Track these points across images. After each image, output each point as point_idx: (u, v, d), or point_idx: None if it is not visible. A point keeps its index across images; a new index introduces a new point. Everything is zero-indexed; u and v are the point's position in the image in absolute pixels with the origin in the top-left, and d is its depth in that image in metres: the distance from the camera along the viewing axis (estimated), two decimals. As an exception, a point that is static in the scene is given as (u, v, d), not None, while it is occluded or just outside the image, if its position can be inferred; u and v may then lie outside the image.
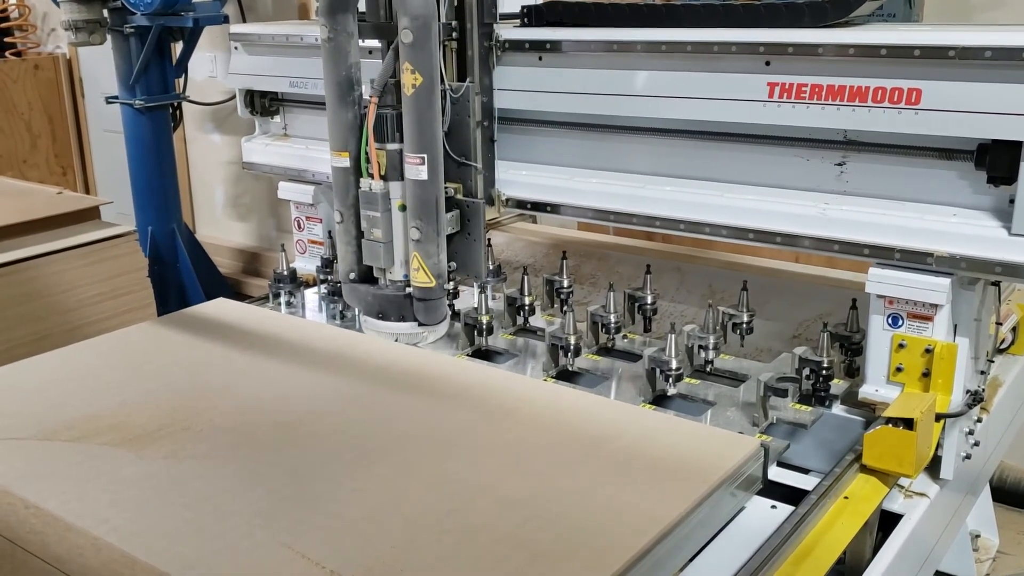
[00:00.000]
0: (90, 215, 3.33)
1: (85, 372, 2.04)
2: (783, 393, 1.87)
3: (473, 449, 1.68)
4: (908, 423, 1.68)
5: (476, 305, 2.30)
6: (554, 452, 1.66)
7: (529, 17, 2.24)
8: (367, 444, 1.71)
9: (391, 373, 1.99)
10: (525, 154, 2.29)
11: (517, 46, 2.17)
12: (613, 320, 2.17)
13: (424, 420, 1.79)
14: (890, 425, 1.70)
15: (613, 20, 2.10)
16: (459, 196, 2.24)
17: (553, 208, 2.26)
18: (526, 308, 2.34)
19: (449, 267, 2.23)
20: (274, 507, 1.50)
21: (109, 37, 4.32)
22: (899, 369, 1.84)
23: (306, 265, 2.80)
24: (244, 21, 4.95)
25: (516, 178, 2.29)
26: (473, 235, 2.25)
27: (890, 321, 1.84)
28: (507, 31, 2.20)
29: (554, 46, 2.12)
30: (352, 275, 2.28)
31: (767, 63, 1.87)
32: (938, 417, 1.79)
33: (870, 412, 1.90)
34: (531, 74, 2.17)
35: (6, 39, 6.22)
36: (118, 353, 2.16)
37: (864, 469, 1.74)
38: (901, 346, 1.83)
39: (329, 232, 2.75)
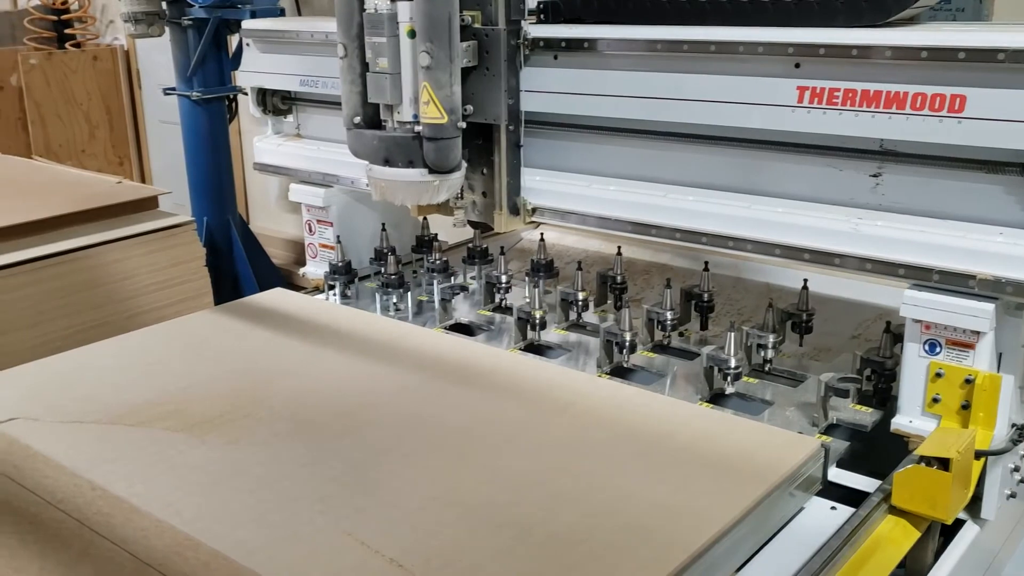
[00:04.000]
0: (149, 204, 3.38)
1: (147, 359, 2.08)
2: (844, 394, 1.85)
3: (529, 443, 1.68)
4: (944, 463, 1.56)
5: (528, 299, 2.30)
6: (610, 449, 1.66)
7: (545, 13, 2.14)
8: (422, 435, 1.71)
9: (445, 365, 2.00)
10: (549, 160, 2.21)
11: (537, 44, 2.09)
12: (670, 317, 2.16)
13: (479, 413, 1.79)
14: (923, 464, 1.58)
15: (633, 16, 2.01)
16: (477, 24, 2.04)
17: (578, 218, 2.16)
18: (579, 304, 2.34)
19: (465, 110, 2.05)
20: (333, 495, 1.52)
21: (167, 29, 4.39)
22: (936, 400, 1.73)
23: (316, 270, 2.75)
24: (299, 15, 4.99)
25: (540, 185, 2.21)
26: (492, 70, 2.06)
27: (927, 348, 1.74)
28: (533, 28, 2.12)
29: (570, 44, 2.05)
30: (357, 119, 2.10)
31: (797, 65, 1.76)
32: (978, 455, 1.66)
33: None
34: (550, 74, 2.09)
35: (66, 31, 6.34)
36: (179, 340, 2.20)
37: (893, 510, 1.62)
38: (938, 375, 1.72)
39: (338, 237, 2.71)
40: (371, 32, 2.00)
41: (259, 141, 2.84)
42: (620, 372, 2.11)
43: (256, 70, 2.74)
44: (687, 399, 1.97)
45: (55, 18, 6.27)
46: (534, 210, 2.20)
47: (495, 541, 1.39)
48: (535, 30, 2.07)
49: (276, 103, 2.78)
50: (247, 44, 2.76)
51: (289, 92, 2.76)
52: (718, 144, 1.95)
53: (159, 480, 1.55)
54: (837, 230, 1.81)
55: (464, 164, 2.11)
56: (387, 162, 2.04)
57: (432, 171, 2.02)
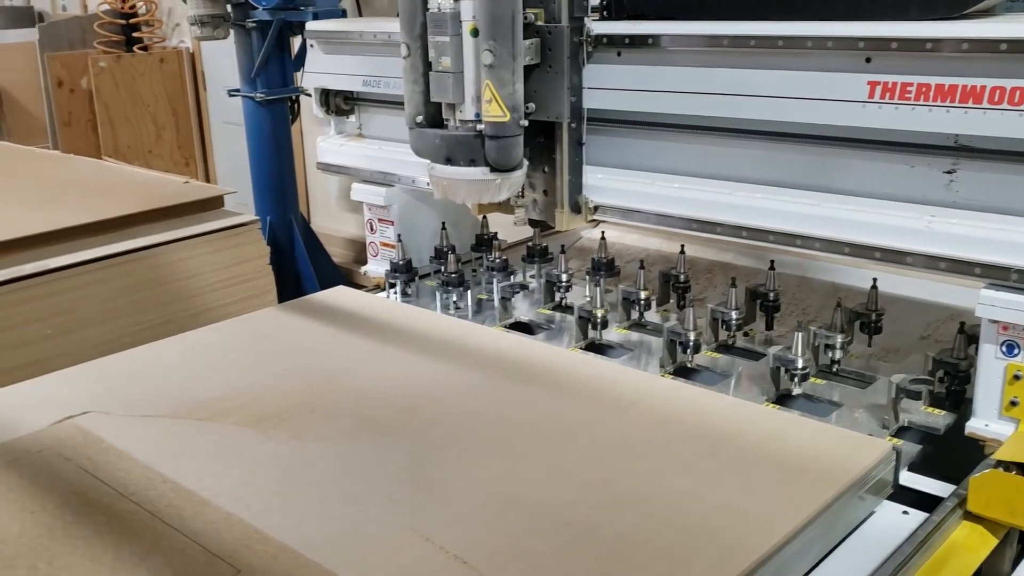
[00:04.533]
0: (214, 204, 3.44)
1: (213, 355, 2.12)
2: (916, 396, 1.80)
3: (591, 442, 1.67)
4: (1023, 468, 1.53)
5: (589, 298, 2.28)
6: (674, 449, 1.64)
7: (608, 10, 2.12)
8: (485, 432, 1.72)
9: (506, 363, 2.00)
10: (612, 158, 2.18)
11: (600, 41, 2.08)
12: (735, 317, 2.13)
13: (541, 411, 1.79)
14: (1001, 469, 1.54)
15: (697, 11, 1.98)
16: (540, 22, 2.03)
17: (641, 216, 2.13)
18: (641, 303, 2.32)
19: (527, 108, 2.04)
20: (397, 491, 1.52)
21: (232, 32, 4.47)
22: (1013, 403, 1.69)
23: (377, 268, 2.77)
24: (360, 15, 5.04)
25: (603, 183, 2.18)
26: (555, 68, 2.05)
27: (1004, 349, 1.70)
28: (596, 25, 2.10)
29: (633, 41, 2.02)
30: (419, 118, 2.10)
31: (868, 60, 1.73)
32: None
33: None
34: (613, 71, 2.07)
35: (134, 34, 6.49)
36: (244, 337, 2.23)
37: (969, 516, 1.58)
38: (1016, 377, 1.68)
39: (399, 236, 2.73)
40: (434, 31, 2.01)
41: (322, 141, 2.86)
42: (684, 372, 2.08)
43: (319, 71, 2.76)
44: (752, 400, 1.94)
45: (123, 22, 6.42)
46: (596, 208, 2.18)
47: (557, 539, 1.38)
48: (598, 27, 2.06)
49: (339, 103, 2.80)
50: (311, 45, 2.79)
51: (352, 92, 2.78)
52: (785, 140, 1.91)
53: (227, 474, 1.58)
54: (909, 228, 1.77)
55: (525, 162, 2.10)
56: (449, 161, 2.05)
57: (494, 169, 2.02)
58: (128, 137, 6.23)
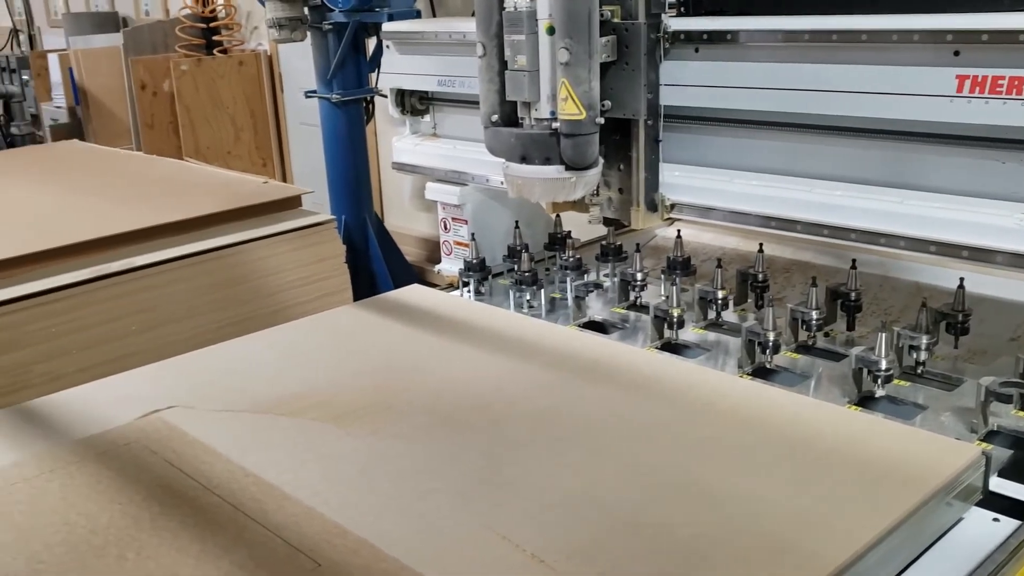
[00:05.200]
0: (292, 204, 3.50)
1: (292, 352, 2.15)
2: (1007, 399, 1.74)
3: (668, 443, 1.66)
4: None
5: (665, 297, 2.26)
6: (752, 451, 1.61)
7: (686, 5, 2.11)
8: (559, 431, 1.71)
9: (581, 362, 1.99)
10: (689, 155, 2.15)
11: (677, 38, 2.05)
12: (815, 316, 2.08)
13: (616, 410, 1.78)
14: None
15: (777, 5, 1.96)
16: (616, 19, 2.04)
17: (720, 215, 2.12)
18: (719, 302, 2.28)
19: (603, 105, 2.03)
20: (472, 488, 1.53)
21: (309, 34, 4.54)
22: None
23: (451, 267, 2.80)
24: (434, 15, 5.08)
25: (680, 181, 2.15)
26: (632, 65, 2.05)
27: None
28: (674, 21, 2.08)
29: (711, 36, 1.99)
30: (495, 117, 2.11)
31: (956, 53, 1.68)
32: None
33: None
34: (691, 67, 2.04)
35: (214, 37, 6.65)
36: (321, 335, 2.27)
37: None
38: None
39: (472, 234, 2.73)
40: (510, 30, 2.01)
41: (397, 141, 2.90)
42: (762, 373, 2.05)
43: (395, 71, 2.81)
44: (834, 402, 1.89)
45: (204, 26, 6.58)
46: (672, 206, 2.17)
47: (634, 541, 1.37)
48: (676, 23, 2.05)
49: (414, 103, 2.85)
50: (387, 46, 2.84)
51: (427, 92, 2.81)
52: (868, 137, 1.88)
53: (307, 469, 1.60)
54: (999, 226, 1.73)
55: (601, 160, 2.09)
56: (524, 159, 2.05)
57: (569, 168, 2.02)
58: (208, 138, 6.38)
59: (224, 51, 6.65)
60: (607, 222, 2.38)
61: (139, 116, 6.31)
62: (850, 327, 2.17)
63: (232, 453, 1.66)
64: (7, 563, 1.36)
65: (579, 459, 1.61)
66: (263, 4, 4.53)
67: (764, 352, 2.03)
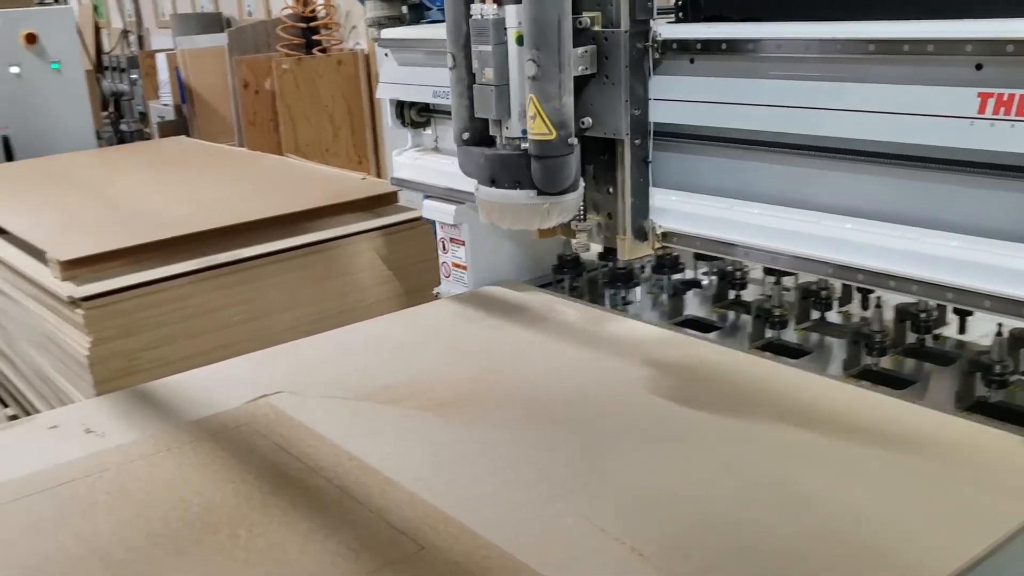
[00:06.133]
0: (389, 200, 3.58)
1: (389, 343, 2.20)
2: None
3: (767, 444, 1.63)
4: None
5: (766, 296, 2.22)
6: (855, 456, 1.57)
7: (684, 10, 1.86)
8: (654, 428, 1.71)
9: (673, 360, 1.98)
10: (684, 178, 1.88)
11: (669, 47, 1.80)
12: (924, 318, 2.02)
13: (714, 409, 1.76)
14: None
15: (783, 10, 1.72)
16: (596, 27, 1.78)
17: (716, 246, 1.84)
18: (823, 301, 2.24)
19: (582, 123, 1.81)
20: (570, 480, 1.54)
21: (407, 33, 4.60)
22: None
23: (450, 289, 2.57)
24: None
25: (673, 206, 1.88)
26: (612, 78, 1.78)
27: None
28: (666, 28, 1.82)
29: (706, 46, 1.75)
30: (465, 135, 1.90)
31: (978, 67, 1.41)
32: None
33: None
34: (685, 81, 1.80)
35: (313, 37, 6.80)
36: (418, 327, 2.31)
37: None
38: None
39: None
40: (477, 40, 1.81)
41: (397, 155, 2.66)
42: (868, 376, 2.00)
43: (392, 81, 2.54)
44: (942, 407, 1.83)
45: (304, 25, 6.74)
46: (664, 235, 1.90)
47: (735, 538, 1.36)
48: (667, 31, 1.81)
49: (413, 116, 2.59)
50: (385, 54, 2.60)
51: (427, 104, 2.54)
52: (879, 163, 1.60)
53: (409, 455, 1.63)
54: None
55: (581, 184, 1.88)
56: (493, 182, 1.83)
57: (541, 192, 1.79)
58: (307, 136, 6.53)
59: (323, 50, 6.79)
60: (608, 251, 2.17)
61: (242, 114, 6.50)
62: (961, 330, 2.10)
63: (336, 438, 1.70)
64: (128, 537, 1.43)
65: (676, 456, 1.61)
66: (363, 3, 4.61)
67: (870, 354, 1.98)
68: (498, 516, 1.43)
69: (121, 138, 7.47)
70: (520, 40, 1.74)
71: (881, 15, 1.54)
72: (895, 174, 1.60)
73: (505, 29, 1.78)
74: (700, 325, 2.34)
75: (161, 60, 7.29)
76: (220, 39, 6.86)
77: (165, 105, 7.28)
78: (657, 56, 1.80)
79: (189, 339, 2.87)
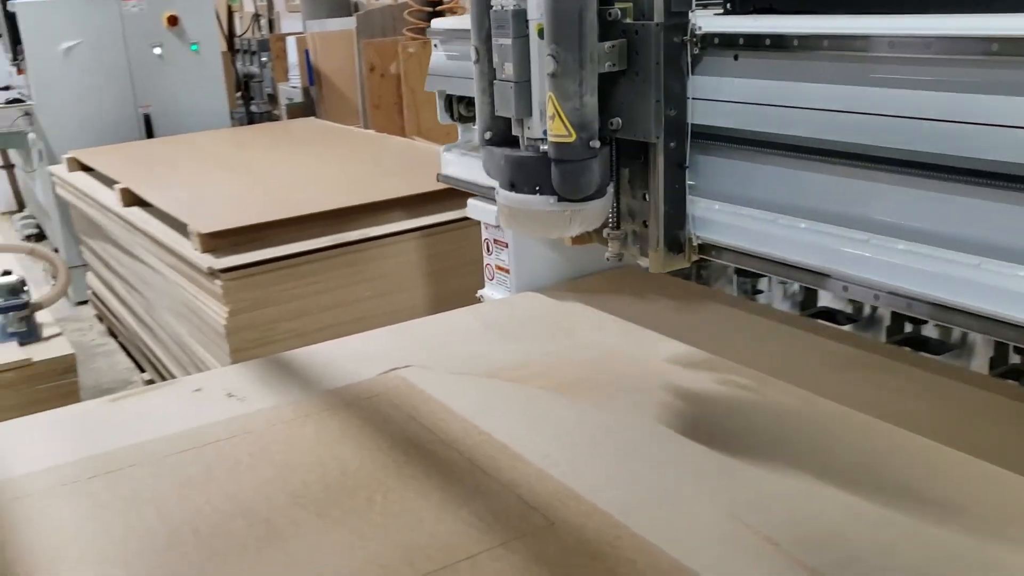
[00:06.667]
0: (512, 181, 3.59)
1: (508, 324, 2.20)
2: None
3: (908, 441, 1.58)
4: None
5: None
6: (1010, 455, 1.51)
7: (732, 1, 1.69)
8: (790, 422, 1.67)
9: (810, 351, 1.94)
10: (728, 186, 1.69)
11: (710, 42, 1.62)
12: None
13: (854, 404, 1.71)
14: None
15: (839, 2, 1.53)
16: (627, 19, 1.63)
17: (759, 263, 1.64)
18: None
19: (611, 124, 1.66)
20: (700, 467, 1.53)
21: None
22: None
23: (493, 293, 2.47)
24: None
25: (714, 216, 1.69)
26: (643, 76, 1.62)
27: None
28: (708, 21, 1.64)
29: (750, 41, 1.57)
30: (488, 134, 1.78)
31: None
32: None
33: None
34: (729, 79, 1.62)
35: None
36: (533, 311, 2.30)
37: None
38: None
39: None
40: (497, 32, 1.69)
41: (445, 151, 2.54)
42: (1013, 375, 1.91)
43: (441, 73, 2.42)
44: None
45: (430, 9, 6.83)
46: (701, 247, 1.73)
47: (885, 533, 1.33)
48: (709, 23, 1.64)
49: (461, 110, 2.43)
50: (435, 45, 2.49)
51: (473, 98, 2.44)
52: (943, 179, 1.37)
53: (535, 432, 1.65)
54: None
55: (610, 191, 1.73)
56: (513, 186, 1.70)
57: (562, 199, 1.65)
58: (430, 119, 6.62)
59: (447, 35, 6.88)
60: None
61: (367, 96, 6.64)
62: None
63: (466, 412, 1.73)
64: (272, 496, 1.49)
65: (812, 448, 1.57)
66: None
67: (1020, 351, 1.89)
68: (625, 497, 1.44)
69: (251, 119, 7.73)
70: (542, 33, 1.61)
71: (955, 7, 1.36)
72: (959, 190, 1.35)
73: (527, 21, 1.64)
74: (834, 317, 2.29)
75: (291, 43, 7.51)
76: (348, 23, 7.01)
77: (294, 87, 7.49)
78: (697, 51, 1.63)
79: (319, 313, 2.97)
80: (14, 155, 6.66)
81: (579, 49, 1.55)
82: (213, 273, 2.80)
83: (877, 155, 1.43)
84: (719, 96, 1.63)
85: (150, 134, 5.53)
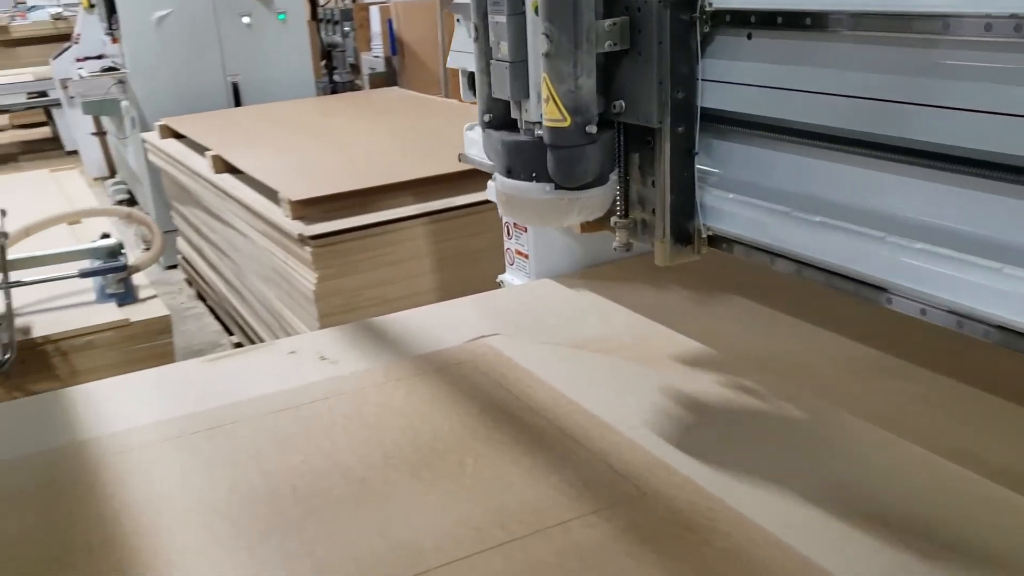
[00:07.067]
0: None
1: (587, 297, 2.19)
2: None
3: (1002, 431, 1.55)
4: None
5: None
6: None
7: None
8: (887, 400, 1.65)
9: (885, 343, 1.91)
10: (744, 173, 1.56)
11: (721, 19, 1.49)
12: None
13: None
14: None
15: None
16: None
17: (767, 257, 1.51)
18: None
19: (614, 107, 1.56)
20: (797, 444, 1.52)
21: None
22: None
23: (512, 279, 2.40)
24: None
25: (727, 207, 1.56)
26: (645, 56, 1.51)
27: None
28: None
29: (763, 19, 1.43)
30: (487, 116, 1.69)
31: None
32: None
33: None
34: (742, 59, 1.49)
35: None
36: (613, 285, 2.28)
37: None
38: None
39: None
40: (493, 9, 1.61)
41: (468, 129, 2.45)
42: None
43: (462, 50, 2.32)
44: None
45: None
46: (711, 239, 1.61)
47: (989, 519, 1.31)
48: (721, 0, 1.51)
49: None
50: (457, 21, 2.41)
51: None
52: (976, 174, 1.21)
53: (625, 402, 1.66)
54: None
55: (613, 178, 1.63)
56: (510, 172, 1.62)
57: (560, 186, 1.56)
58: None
59: (529, 4, 6.84)
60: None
61: (448, 67, 6.67)
62: None
63: (553, 380, 1.75)
64: (366, 455, 1.53)
65: (910, 430, 1.55)
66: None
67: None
68: (719, 470, 1.44)
69: (334, 88, 7.82)
70: (539, 10, 1.51)
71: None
72: (991, 187, 1.20)
73: None
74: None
75: (374, 13, 7.56)
76: (432, -8, 7.03)
77: (376, 57, 7.55)
78: (707, 30, 1.51)
79: (405, 280, 3.01)
80: (106, 122, 6.87)
81: (574, 27, 1.46)
82: (303, 240, 2.86)
83: (894, 144, 1.28)
84: (726, 77, 1.51)
85: (238, 102, 5.64)
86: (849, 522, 1.30)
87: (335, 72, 8.34)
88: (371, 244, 2.98)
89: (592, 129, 1.52)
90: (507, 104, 1.65)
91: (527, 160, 1.57)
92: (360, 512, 1.38)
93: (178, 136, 4.50)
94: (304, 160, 3.63)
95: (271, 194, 3.17)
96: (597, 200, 1.60)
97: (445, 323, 2.08)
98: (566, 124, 1.49)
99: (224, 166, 3.68)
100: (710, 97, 1.54)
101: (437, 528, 1.33)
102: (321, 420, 1.65)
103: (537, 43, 1.50)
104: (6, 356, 2.81)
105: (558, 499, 1.38)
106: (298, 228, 2.88)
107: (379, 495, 1.42)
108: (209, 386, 1.82)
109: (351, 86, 7.98)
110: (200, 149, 4.01)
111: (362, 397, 1.73)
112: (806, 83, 1.39)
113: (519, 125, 1.64)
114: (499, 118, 1.67)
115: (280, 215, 3.02)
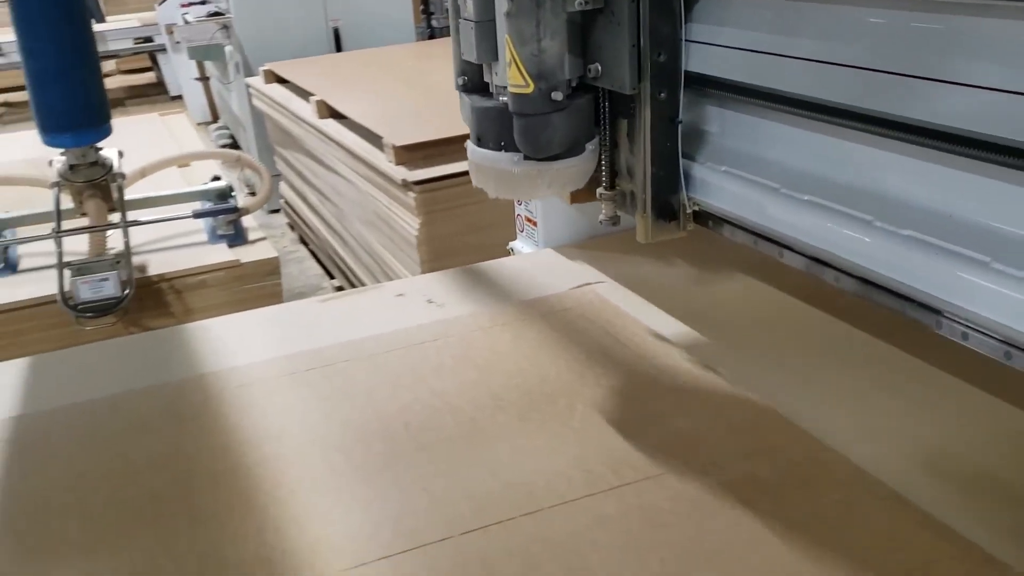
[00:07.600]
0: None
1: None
2: None
3: None
4: None
5: None
6: None
7: None
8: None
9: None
10: (738, 143, 1.43)
11: None
12: None
13: None
14: None
15: None
16: None
17: (752, 237, 1.42)
18: None
19: (589, 71, 1.45)
20: (919, 405, 1.48)
21: None
22: None
23: (522, 247, 2.32)
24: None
25: (716, 180, 1.45)
26: (617, 16, 1.39)
27: None
28: None
29: None
30: (461, 80, 1.60)
31: None
32: None
33: None
34: (730, 20, 1.35)
35: None
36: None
37: None
38: None
39: None
40: None
41: None
42: None
43: None
44: None
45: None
46: (696, 215, 1.50)
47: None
48: None
49: None
50: None
51: None
52: (989, 159, 1.05)
53: (732, 355, 1.63)
54: None
55: (589, 148, 1.52)
56: (480, 140, 1.53)
57: (528, 157, 1.46)
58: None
59: None
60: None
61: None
62: None
63: (662, 329, 1.73)
64: (475, 396, 1.55)
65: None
66: None
67: None
68: (832, 424, 1.41)
69: (431, 33, 7.82)
70: None
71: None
72: (1001, 175, 1.04)
73: None
74: None
75: (472, -42, 7.49)
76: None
77: (473, 2, 7.49)
78: None
79: (505, 227, 3.01)
80: (210, 68, 7.01)
81: None
82: (407, 185, 2.88)
83: (911, 123, 1.11)
84: (712, 39, 1.39)
85: (339, 48, 5.69)
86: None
87: (432, 17, 8.33)
88: (473, 190, 2.98)
89: (558, 96, 1.42)
90: (478, 68, 1.56)
91: (498, 128, 1.49)
92: (471, 451, 1.40)
93: (281, 81, 4.57)
94: (405, 106, 3.64)
95: (375, 139, 3.20)
96: (571, 172, 1.51)
97: (548, 270, 2.08)
98: (529, 90, 1.40)
99: (328, 111, 3.72)
100: (693, 61, 1.42)
101: (548, 470, 1.34)
102: (430, 361, 1.68)
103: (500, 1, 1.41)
104: (125, 292, 2.93)
105: (670, 449, 1.37)
106: (401, 173, 2.90)
107: (489, 435, 1.44)
108: (322, 325, 1.87)
109: (448, 31, 7.95)
110: (303, 94, 4.06)
111: (469, 340, 1.75)
112: (786, 47, 1.27)
113: (491, 89, 1.55)
114: (473, 81, 1.58)
115: (384, 160, 3.05)
